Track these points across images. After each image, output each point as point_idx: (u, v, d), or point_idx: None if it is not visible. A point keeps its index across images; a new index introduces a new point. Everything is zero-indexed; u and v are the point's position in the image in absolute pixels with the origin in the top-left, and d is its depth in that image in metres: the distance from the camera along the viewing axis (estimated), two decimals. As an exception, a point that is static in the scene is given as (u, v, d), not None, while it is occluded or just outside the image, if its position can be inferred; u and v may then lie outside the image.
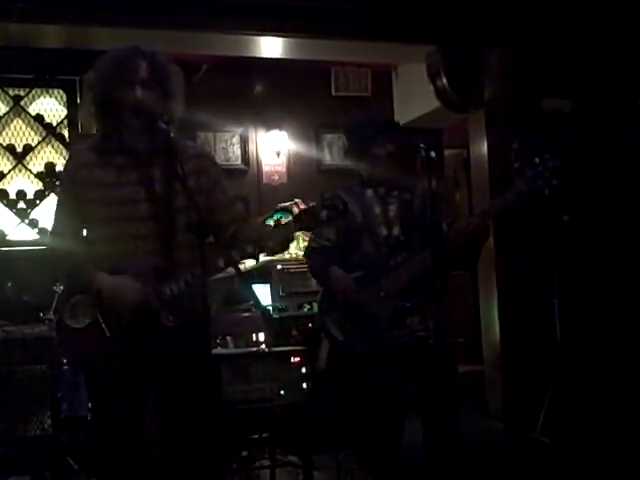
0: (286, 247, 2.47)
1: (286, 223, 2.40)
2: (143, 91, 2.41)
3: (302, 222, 2.39)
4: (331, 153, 6.58)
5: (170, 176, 2.43)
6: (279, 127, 6.36)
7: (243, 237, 2.48)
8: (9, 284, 5.00)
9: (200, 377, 2.47)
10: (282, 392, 3.89)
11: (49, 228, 2.66)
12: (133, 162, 2.47)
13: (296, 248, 5.55)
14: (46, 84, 5.76)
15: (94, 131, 2.61)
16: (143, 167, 2.47)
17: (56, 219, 2.57)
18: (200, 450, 2.48)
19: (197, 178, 2.48)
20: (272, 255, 2.55)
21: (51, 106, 5.83)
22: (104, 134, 2.51)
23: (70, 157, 2.65)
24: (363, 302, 3.13)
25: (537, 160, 3.05)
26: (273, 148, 6.39)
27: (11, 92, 5.76)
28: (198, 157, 2.55)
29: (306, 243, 3.55)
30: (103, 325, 2.41)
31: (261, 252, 2.43)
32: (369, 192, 3.28)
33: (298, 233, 2.62)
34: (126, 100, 2.40)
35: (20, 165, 5.72)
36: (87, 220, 2.49)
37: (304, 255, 3.55)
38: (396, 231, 3.21)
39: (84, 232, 2.53)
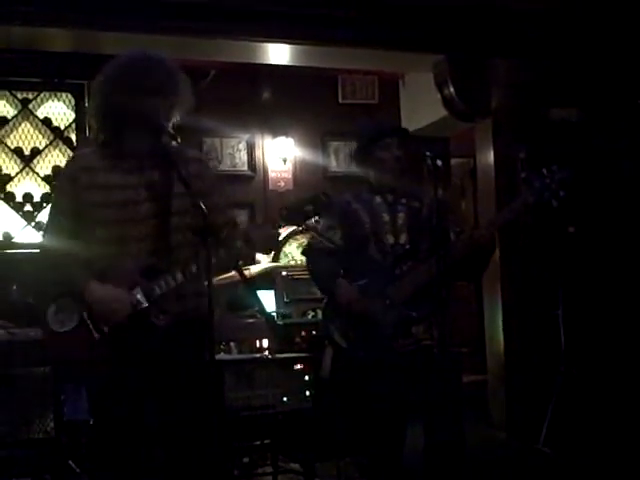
0: (274, 243, 2.54)
1: (272, 222, 2.50)
2: (150, 99, 2.43)
3: (289, 217, 2.47)
4: (337, 160, 6.58)
5: (171, 179, 2.48)
6: (286, 134, 6.37)
7: (233, 241, 2.51)
8: (14, 286, 5.00)
9: (197, 378, 2.46)
10: (285, 399, 3.89)
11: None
12: (135, 166, 2.51)
13: (302, 255, 5.55)
14: (54, 88, 5.78)
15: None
16: (145, 170, 2.51)
17: (51, 221, 2.60)
18: (199, 452, 2.47)
19: (197, 181, 2.51)
20: (262, 252, 2.57)
21: (59, 109, 5.84)
22: (107, 138, 2.54)
23: (71, 160, 2.68)
24: (368, 310, 3.12)
25: (545, 171, 3.05)
26: (279, 155, 6.40)
27: (19, 95, 5.78)
28: (196, 162, 2.62)
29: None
30: (91, 327, 2.42)
31: (248, 253, 2.44)
32: (377, 199, 3.27)
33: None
34: (133, 107, 2.43)
35: (27, 168, 5.74)
36: (86, 222, 2.50)
37: (302, 253, 3.52)
38: (403, 239, 3.20)
39: (78, 235, 2.53)
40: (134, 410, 2.48)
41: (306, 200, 2.49)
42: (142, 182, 2.50)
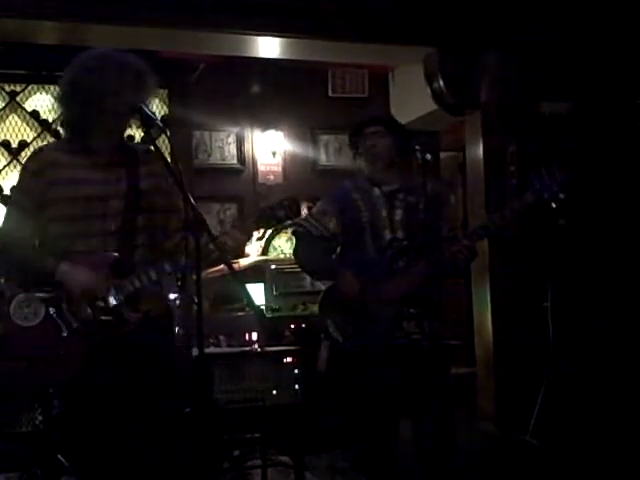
0: (242, 246, 2.58)
1: (243, 224, 2.56)
2: (112, 102, 2.44)
3: (261, 221, 2.52)
4: (327, 154, 6.57)
5: (137, 176, 2.51)
6: (275, 127, 6.36)
7: (180, 254, 2.48)
8: (1, 280, 4.97)
9: (165, 376, 2.50)
10: (274, 392, 3.89)
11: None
12: (101, 162, 2.52)
13: (290, 249, 5.55)
14: (42, 80, 5.74)
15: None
16: (111, 167, 2.52)
17: (9, 215, 2.58)
18: (164, 452, 2.47)
19: (160, 180, 2.53)
20: (230, 254, 2.56)
21: (47, 102, 5.80)
22: (71, 136, 2.56)
23: (34, 155, 2.64)
24: (366, 305, 3.12)
25: (543, 171, 3.03)
26: (269, 148, 6.38)
27: (7, 88, 5.75)
28: (156, 160, 2.55)
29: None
30: (60, 323, 2.41)
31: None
32: (376, 191, 3.25)
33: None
34: (91, 108, 2.45)
35: (15, 161, 5.71)
36: (51, 218, 2.49)
37: (293, 233, 3.49)
38: (400, 235, 3.18)
39: (39, 233, 2.53)
40: (105, 407, 2.45)
41: (277, 204, 2.52)
42: (109, 178, 2.51)
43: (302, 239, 3.37)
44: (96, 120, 2.47)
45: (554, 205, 3.02)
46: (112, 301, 2.42)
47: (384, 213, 3.21)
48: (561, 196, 3.01)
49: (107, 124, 2.48)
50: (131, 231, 2.49)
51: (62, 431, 3.41)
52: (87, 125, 2.50)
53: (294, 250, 3.48)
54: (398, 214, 3.21)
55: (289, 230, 5.99)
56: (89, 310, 2.42)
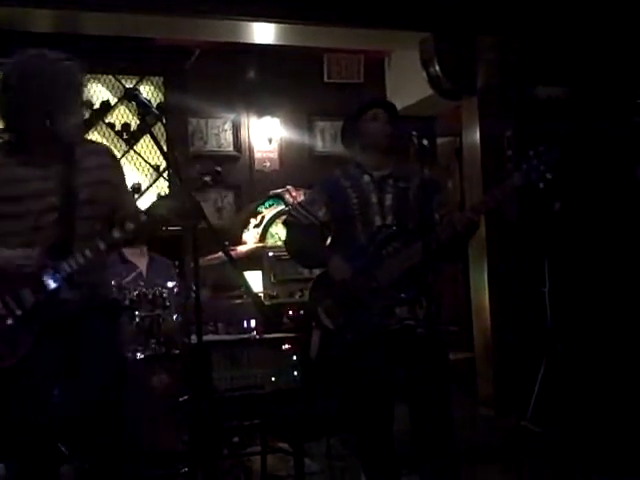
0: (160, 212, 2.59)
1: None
2: (41, 99, 2.53)
3: (187, 188, 2.57)
4: (323, 140, 6.57)
5: (73, 171, 2.61)
6: (271, 114, 6.34)
7: (124, 222, 2.60)
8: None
9: (107, 358, 2.62)
10: (273, 379, 3.89)
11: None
12: (39, 160, 2.61)
13: (283, 224, 5.53)
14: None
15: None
16: (49, 164, 2.61)
17: None
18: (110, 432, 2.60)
19: (101, 172, 2.66)
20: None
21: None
22: (9, 137, 2.65)
23: None
24: (356, 292, 3.11)
25: (532, 153, 3.04)
26: (265, 135, 6.37)
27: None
28: (99, 154, 2.72)
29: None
30: (5, 313, 2.49)
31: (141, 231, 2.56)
32: (366, 177, 3.24)
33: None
34: (25, 108, 2.54)
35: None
36: None
37: (284, 223, 3.49)
38: (390, 221, 3.17)
39: None
40: (45, 386, 2.58)
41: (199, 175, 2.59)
42: (44, 175, 2.60)
43: (291, 228, 3.38)
44: (28, 119, 2.56)
45: (542, 185, 3.02)
46: (51, 283, 2.52)
47: (374, 199, 3.20)
48: (548, 176, 3.01)
49: (38, 129, 2.57)
50: (69, 223, 2.58)
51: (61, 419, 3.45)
52: (22, 125, 2.59)
53: (285, 240, 3.49)
54: (388, 199, 3.20)
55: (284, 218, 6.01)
56: (31, 296, 2.51)
